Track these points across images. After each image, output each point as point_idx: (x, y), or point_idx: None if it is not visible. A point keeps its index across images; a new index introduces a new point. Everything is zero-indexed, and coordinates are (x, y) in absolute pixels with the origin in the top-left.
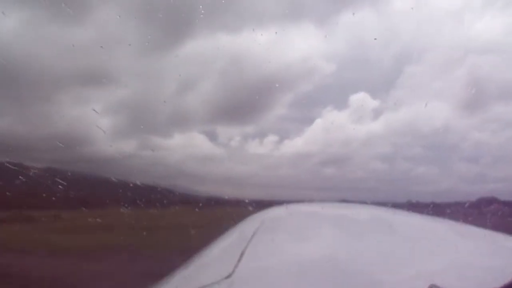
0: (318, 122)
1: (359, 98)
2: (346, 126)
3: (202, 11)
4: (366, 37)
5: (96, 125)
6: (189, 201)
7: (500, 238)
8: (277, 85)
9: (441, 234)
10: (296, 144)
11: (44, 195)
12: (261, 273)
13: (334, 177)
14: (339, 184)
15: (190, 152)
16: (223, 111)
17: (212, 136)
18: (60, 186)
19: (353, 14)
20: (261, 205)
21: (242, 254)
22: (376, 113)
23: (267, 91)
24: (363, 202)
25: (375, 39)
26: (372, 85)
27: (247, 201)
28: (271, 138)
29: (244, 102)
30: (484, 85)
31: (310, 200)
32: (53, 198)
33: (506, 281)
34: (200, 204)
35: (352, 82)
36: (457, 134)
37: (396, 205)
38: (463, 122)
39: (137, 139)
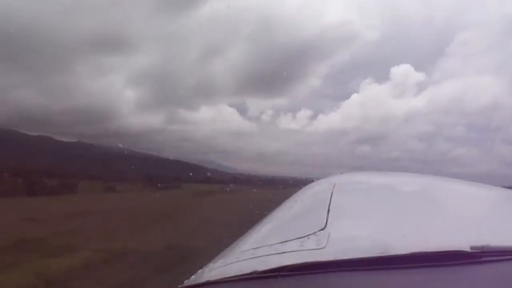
0: (355, 97)
1: (402, 71)
2: (386, 101)
3: None
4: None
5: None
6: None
7: None
8: (311, 53)
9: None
10: (331, 120)
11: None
12: (352, 226)
13: (368, 156)
14: (373, 164)
15: (220, 127)
16: (253, 81)
17: (242, 109)
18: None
19: None
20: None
21: (328, 211)
22: (420, 87)
23: (300, 59)
24: None
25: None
26: (417, 55)
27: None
28: (305, 113)
29: (275, 71)
30: None
31: None
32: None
33: None
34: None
35: (395, 52)
36: (504, 113)
37: None
38: None
39: (164, 112)
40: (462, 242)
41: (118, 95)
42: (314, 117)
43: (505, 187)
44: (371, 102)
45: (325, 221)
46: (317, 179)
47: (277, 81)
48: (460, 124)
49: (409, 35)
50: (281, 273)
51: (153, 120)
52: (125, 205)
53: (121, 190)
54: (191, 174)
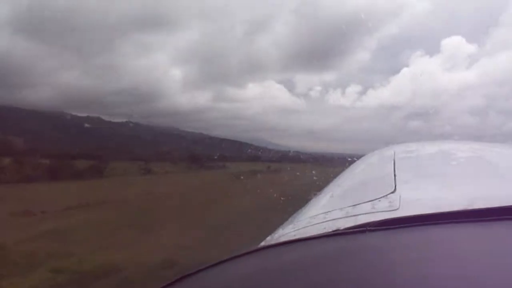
0: (405, 70)
1: (453, 42)
2: (436, 75)
3: None
4: None
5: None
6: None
7: None
8: (359, 26)
9: None
10: (381, 95)
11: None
12: (421, 188)
13: (419, 131)
14: (424, 138)
15: (268, 104)
16: (300, 55)
17: (290, 86)
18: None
19: None
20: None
21: (394, 176)
22: (472, 60)
23: (348, 32)
24: None
25: None
26: (468, 26)
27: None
28: (354, 88)
29: (323, 45)
30: None
31: None
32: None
33: None
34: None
35: (446, 23)
36: None
37: None
38: None
39: (211, 90)
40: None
41: (165, 74)
42: (363, 92)
43: None
44: (422, 76)
45: (393, 185)
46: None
47: (325, 56)
48: None
49: (460, 5)
50: (368, 228)
51: (201, 98)
52: (149, 191)
53: (159, 171)
54: (236, 152)
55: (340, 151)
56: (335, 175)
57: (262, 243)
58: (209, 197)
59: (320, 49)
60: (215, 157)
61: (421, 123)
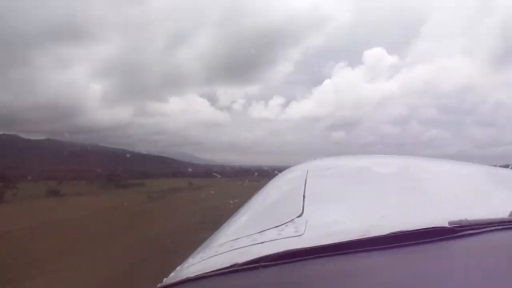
0: (328, 82)
1: (375, 54)
2: (359, 86)
3: None
4: None
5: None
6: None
7: None
8: (282, 38)
9: (483, 174)
10: (304, 107)
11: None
12: (329, 210)
13: (342, 142)
14: (347, 149)
15: (191, 118)
16: (222, 68)
17: (213, 99)
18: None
19: None
20: (268, 172)
21: (303, 197)
22: (393, 71)
23: (271, 45)
24: None
25: None
26: (390, 38)
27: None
28: (277, 100)
29: (246, 57)
30: None
31: None
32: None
33: None
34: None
35: (368, 35)
36: (477, 94)
37: None
38: (486, 80)
39: (133, 105)
40: (440, 218)
41: (85, 89)
42: (286, 104)
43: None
44: (344, 87)
45: (301, 208)
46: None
47: (248, 68)
48: (433, 106)
49: (382, 17)
50: (261, 264)
51: (122, 113)
52: (43, 220)
53: (68, 193)
54: (159, 168)
55: (265, 163)
56: (259, 189)
57: (172, 274)
58: (108, 227)
59: (243, 62)
60: (135, 175)
61: (344, 134)
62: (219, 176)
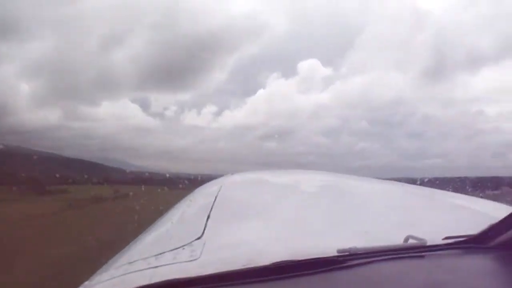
0: (261, 92)
1: (310, 65)
2: (292, 97)
3: None
4: None
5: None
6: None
7: (461, 197)
8: (218, 45)
9: (405, 192)
10: (237, 116)
11: None
12: (231, 234)
13: (274, 152)
14: (279, 159)
15: (123, 123)
16: (156, 74)
17: (145, 105)
18: None
19: None
20: (198, 180)
21: (208, 217)
22: (327, 82)
23: (206, 51)
24: None
25: None
26: (325, 50)
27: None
28: (210, 109)
29: (179, 63)
30: (447, 54)
31: None
32: None
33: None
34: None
35: (303, 46)
36: (407, 107)
37: None
38: (416, 94)
39: (63, 108)
40: (333, 246)
41: (12, 88)
42: (219, 113)
43: (404, 178)
44: (278, 97)
45: (203, 229)
46: (223, 175)
47: (181, 75)
48: (364, 118)
49: (319, 28)
50: None
51: (52, 116)
52: None
53: None
54: (86, 176)
55: (197, 171)
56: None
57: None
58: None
59: (177, 68)
60: (62, 180)
61: (277, 144)
62: (144, 185)
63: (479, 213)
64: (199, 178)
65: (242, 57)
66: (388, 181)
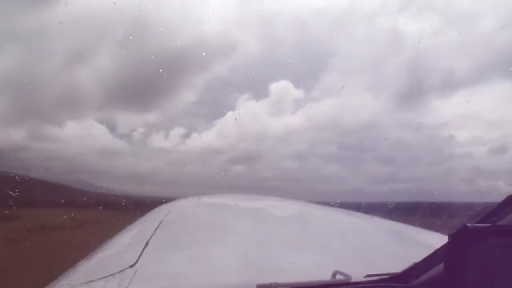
0: (231, 114)
1: (281, 87)
2: (262, 119)
3: None
4: (300, 10)
5: None
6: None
7: (406, 229)
8: (187, 64)
9: (346, 224)
10: (205, 138)
11: None
12: (164, 262)
13: (242, 176)
14: (246, 183)
15: (89, 144)
16: (123, 93)
17: (111, 126)
18: None
19: None
20: (163, 202)
21: (146, 244)
22: (298, 105)
23: (175, 70)
24: None
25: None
26: (297, 71)
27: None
28: (178, 131)
29: (147, 82)
30: (421, 78)
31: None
32: None
33: (405, 267)
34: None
35: (274, 66)
36: (378, 131)
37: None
38: (388, 118)
39: (26, 127)
40: (255, 279)
41: None
42: (187, 135)
43: (368, 203)
44: (248, 119)
45: (138, 256)
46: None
47: (149, 95)
48: (334, 142)
49: (292, 48)
50: None
51: (15, 135)
52: None
53: None
54: (51, 196)
55: (165, 194)
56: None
57: None
58: None
59: (144, 87)
60: (18, 203)
61: (244, 167)
62: (106, 209)
63: (411, 246)
64: (164, 201)
65: (212, 77)
66: (335, 208)
